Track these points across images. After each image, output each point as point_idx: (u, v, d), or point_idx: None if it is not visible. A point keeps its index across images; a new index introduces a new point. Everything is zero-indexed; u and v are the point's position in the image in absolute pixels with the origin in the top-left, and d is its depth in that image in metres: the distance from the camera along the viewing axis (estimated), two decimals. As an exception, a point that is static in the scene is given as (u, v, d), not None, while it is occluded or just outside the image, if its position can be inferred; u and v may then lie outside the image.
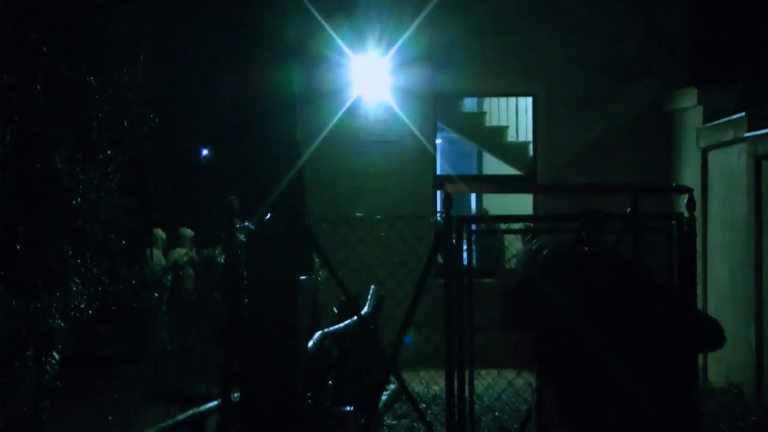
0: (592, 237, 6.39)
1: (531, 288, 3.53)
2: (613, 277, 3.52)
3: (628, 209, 8.58)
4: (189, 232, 18.92)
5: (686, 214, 8.35)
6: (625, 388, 3.31)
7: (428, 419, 9.44)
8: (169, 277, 15.62)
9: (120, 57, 13.02)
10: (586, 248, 6.02)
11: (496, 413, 12.47)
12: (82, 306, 11.08)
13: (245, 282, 8.15)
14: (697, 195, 13.31)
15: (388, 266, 12.56)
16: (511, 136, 21.41)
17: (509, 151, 21.12)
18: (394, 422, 12.30)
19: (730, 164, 14.40)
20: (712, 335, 3.48)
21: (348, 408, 9.35)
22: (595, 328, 3.36)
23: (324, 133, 16.14)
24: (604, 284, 3.48)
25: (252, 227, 8.18)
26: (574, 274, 3.53)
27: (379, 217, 11.53)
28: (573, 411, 3.37)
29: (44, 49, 11.64)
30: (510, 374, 10.36)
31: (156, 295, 15.02)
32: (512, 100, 21.22)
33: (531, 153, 19.10)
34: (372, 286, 11.21)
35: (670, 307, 3.48)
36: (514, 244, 15.12)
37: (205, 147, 22.60)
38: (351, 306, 9.73)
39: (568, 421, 3.39)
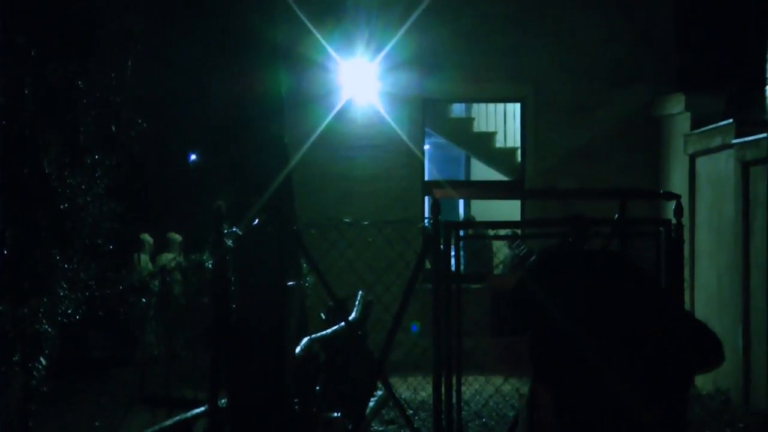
0: (578, 241, 6.39)
1: (525, 291, 3.51)
2: (609, 276, 3.51)
3: (617, 215, 8.60)
4: (177, 237, 18.90)
5: (674, 221, 8.37)
6: (619, 392, 3.30)
7: (415, 425, 9.45)
8: (157, 282, 15.60)
9: (108, 60, 13.00)
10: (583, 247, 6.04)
11: (484, 419, 12.47)
12: (70, 311, 11.06)
13: (233, 287, 8.13)
14: (685, 200, 13.32)
15: (376, 271, 12.55)
16: (499, 142, 21.44)
17: (497, 157, 21.17)
18: (381, 428, 12.29)
19: (718, 170, 14.43)
20: (713, 355, 3.46)
21: (335, 413, 9.34)
22: (589, 329, 3.34)
23: (312, 138, 16.15)
24: (601, 283, 3.47)
25: (240, 232, 8.17)
26: (568, 273, 3.52)
27: (366, 222, 11.52)
28: (568, 413, 3.37)
29: (32, 53, 11.62)
30: (497, 380, 10.39)
31: (143, 299, 15.00)
32: (500, 106, 21.26)
33: (519, 159, 19.12)
34: (360, 291, 11.20)
35: (669, 312, 3.46)
36: (501, 250, 15.18)
37: (193, 151, 22.59)
38: (339, 311, 9.72)
39: (563, 422, 3.38)
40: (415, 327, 9.59)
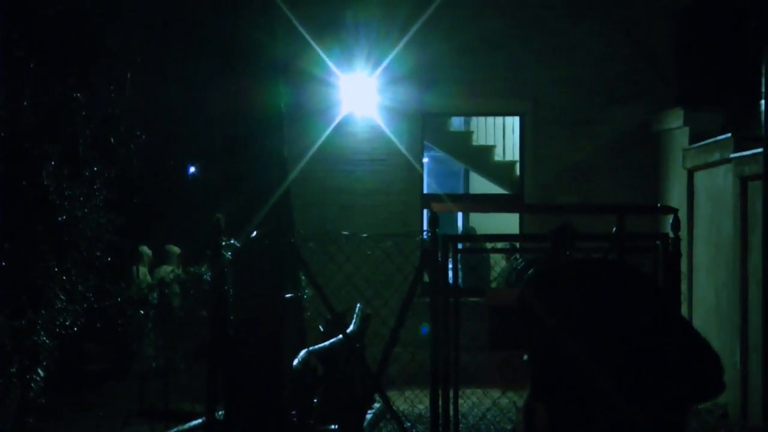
0: (561, 253, 6.41)
1: (526, 306, 3.50)
2: (609, 289, 3.48)
3: (614, 229, 8.61)
4: (176, 249, 18.87)
5: (671, 235, 8.39)
6: (616, 408, 3.29)
7: (413, 438, 9.44)
8: (155, 295, 15.59)
9: (108, 74, 13.03)
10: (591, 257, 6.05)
11: (482, 433, 12.46)
12: (68, 323, 11.06)
13: (231, 300, 8.15)
14: (684, 215, 13.32)
15: (374, 284, 12.56)
16: (498, 156, 21.43)
17: (496, 171, 21.15)
18: (379, 441, 12.28)
19: (717, 185, 14.44)
20: (714, 386, 3.43)
21: (333, 426, 9.34)
22: (589, 346, 3.33)
23: (311, 152, 16.16)
24: (601, 297, 3.45)
25: (238, 245, 8.19)
26: (567, 285, 3.51)
27: (365, 235, 11.53)
28: (565, 430, 3.36)
29: (32, 65, 11.64)
30: (495, 393, 10.36)
31: (142, 312, 14.99)
32: (499, 119, 21.25)
33: (518, 172, 19.14)
34: (358, 304, 11.22)
35: (671, 333, 3.43)
36: (500, 263, 15.21)
37: (193, 164, 22.59)
38: (337, 324, 9.73)
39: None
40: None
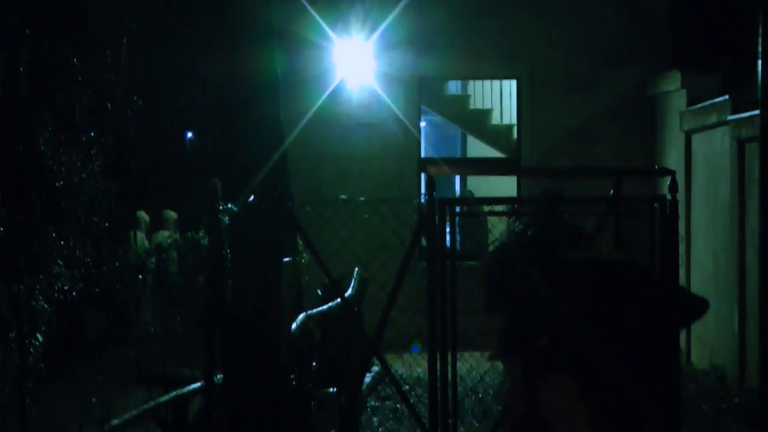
0: (548, 217, 6.40)
1: (498, 270, 3.46)
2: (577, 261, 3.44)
3: (611, 192, 8.61)
4: (173, 214, 18.87)
5: (668, 197, 8.38)
6: (601, 368, 3.26)
7: (411, 401, 9.47)
8: (153, 260, 15.59)
9: (103, 40, 12.99)
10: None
11: (480, 395, 12.51)
12: (66, 288, 11.06)
13: (229, 264, 8.15)
14: (681, 178, 13.29)
15: (371, 249, 12.55)
16: (495, 119, 21.40)
17: (493, 134, 21.13)
18: (377, 404, 12.32)
19: (714, 147, 14.43)
20: (695, 308, 3.41)
21: (331, 390, 9.37)
22: (561, 305, 3.29)
23: (307, 117, 16.11)
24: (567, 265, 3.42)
25: (235, 210, 8.18)
26: (533, 259, 3.47)
27: (362, 199, 11.52)
28: (538, 390, 3.33)
29: (27, 31, 11.60)
30: (493, 356, 10.38)
31: (140, 277, 14.99)
32: (496, 83, 21.22)
33: (515, 136, 19.12)
34: (356, 269, 11.22)
35: (647, 281, 3.42)
36: (497, 227, 15.21)
37: (190, 130, 22.57)
38: (335, 288, 9.74)
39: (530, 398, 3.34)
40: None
